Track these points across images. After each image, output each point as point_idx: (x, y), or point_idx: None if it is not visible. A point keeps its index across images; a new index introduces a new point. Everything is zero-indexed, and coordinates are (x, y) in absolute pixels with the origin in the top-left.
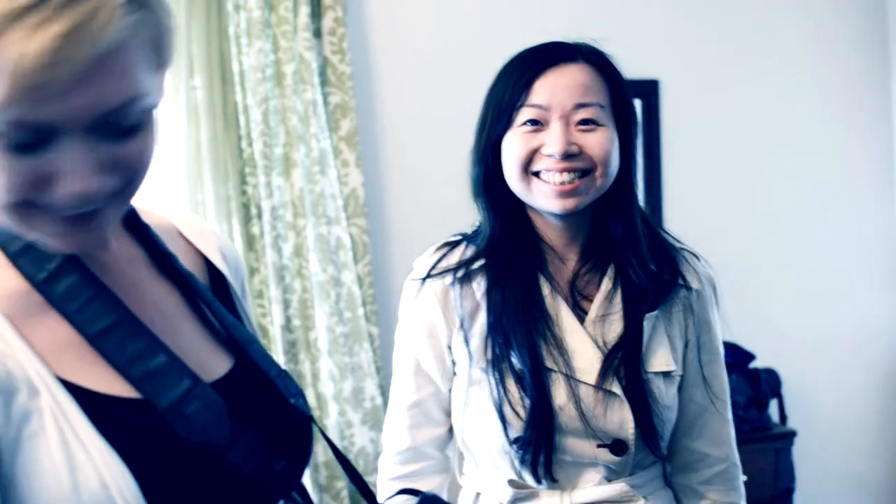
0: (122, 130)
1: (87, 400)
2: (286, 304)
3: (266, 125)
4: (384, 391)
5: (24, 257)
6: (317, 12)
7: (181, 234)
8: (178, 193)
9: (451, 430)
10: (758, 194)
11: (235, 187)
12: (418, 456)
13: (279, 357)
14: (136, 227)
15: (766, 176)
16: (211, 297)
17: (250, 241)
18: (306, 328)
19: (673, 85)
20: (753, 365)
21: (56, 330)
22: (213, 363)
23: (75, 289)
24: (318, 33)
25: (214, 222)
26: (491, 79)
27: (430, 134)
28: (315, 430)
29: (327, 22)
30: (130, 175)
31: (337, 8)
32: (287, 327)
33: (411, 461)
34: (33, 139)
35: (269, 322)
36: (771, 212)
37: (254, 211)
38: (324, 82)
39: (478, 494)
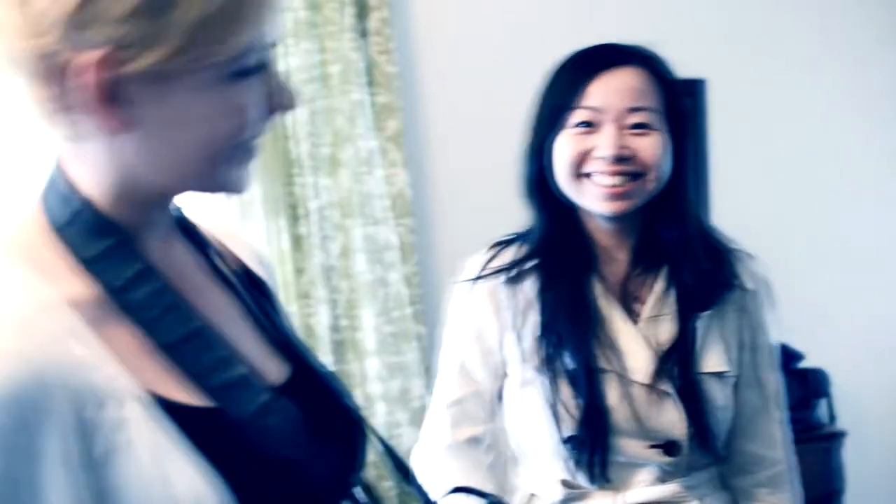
0: None
1: (169, 410)
2: (333, 304)
3: (312, 126)
4: (432, 391)
5: (100, 263)
6: (362, 13)
7: (218, 241)
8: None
9: (491, 431)
10: (806, 191)
11: (282, 188)
12: (457, 453)
13: (326, 357)
14: (186, 230)
15: (814, 172)
16: (264, 301)
17: (297, 242)
18: (353, 328)
19: (720, 84)
20: (801, 365)
21: (130, 338)
22: (271, 369)
23: (153, 297)
24: (363, 34)
25: (262, 222)
26: (538, 78)
27: (477, 133)
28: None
29: (373, 22)
30: None
31: (383, 8)
32: (334, 327)
33: (450, 458)
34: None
35: (315, 322)
36: (820, 210)
37: (301, 211)
38: (370, 82)
39: (532, 496)
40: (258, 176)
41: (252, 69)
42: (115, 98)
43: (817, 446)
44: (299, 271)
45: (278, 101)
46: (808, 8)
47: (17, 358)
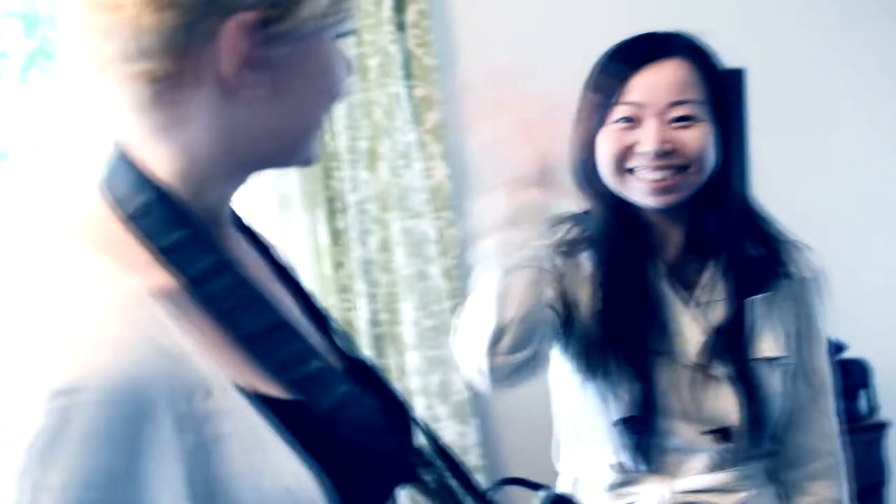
0: None
1: (253, 401)
2: (372, 298)
3: (351, 119)
4: (471, 385)
5: (175, 254)
6: (400, 5)
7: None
8: (263, 188)
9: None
10: (848, 180)
11: (321, 181)
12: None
13: (366, 352)
14: (242, 227)
15: (857, 160)
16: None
17: (336, 236)
18: (393, 322)
19: (759, 74)
20: (842, 355)
21: (211, 330)
22: (334, 362)
23: (228, 288)
24: (401, 26)
25: (301, 217)
26: (577, 69)
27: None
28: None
29: (411, 15)
30: None
31: (420, 0)
32: (373, 322)
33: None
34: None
35: (355, 317)
36: (862, 200)
37: (339, 205)
38: (408, 75)
39: (576, 480)
40: (296, 170)
41: (346, 31)
42: (256, 62)
43: (859, 437)
44: (338, 265)
45: (346, 66)
46: None
47: (116, 347)
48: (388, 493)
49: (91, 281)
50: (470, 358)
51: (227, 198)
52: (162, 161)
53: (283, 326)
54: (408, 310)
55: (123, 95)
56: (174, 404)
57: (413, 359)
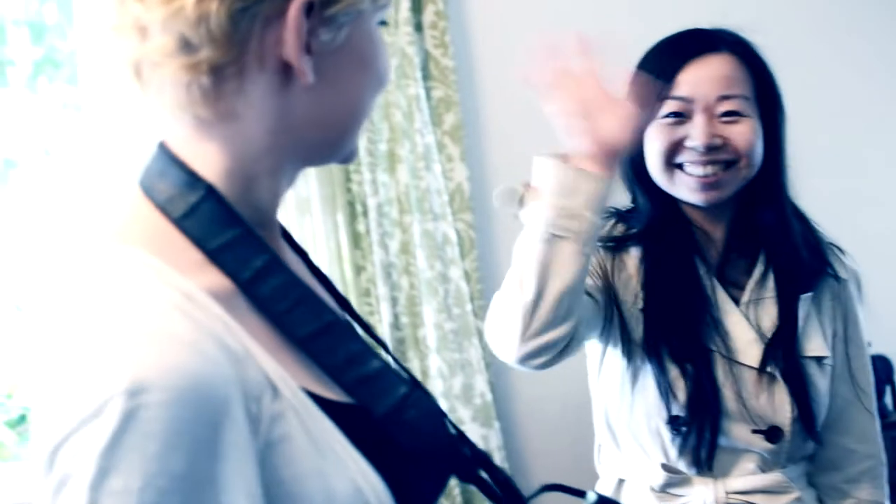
0: None
1: (317, 404)
2: (394, 301)
3: (370, 121)
4: (494, 387)
5: (227, 254)
6: (417, 6)
7: None
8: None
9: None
10: (870, 179)
11: (340, 185)
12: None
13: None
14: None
15: (876, 160)
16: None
17: (356, 239)
18: (414, 325)
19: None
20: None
21: (264, 331)
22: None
23: (282, 289)
24: (419, 27)
25: (320, 220)
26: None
27: (536, 126)
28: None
29: (428, 16)
30: None
31: (437, 1)
32: (395, 325)
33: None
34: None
35: (376, 320)
36: (885, 198)
37: (359, 208)
38: (426, 76)
39: (620, 481)
40: (316, 173)
41: (384, 19)
42: (311, 47)
43: (885, 434)
44: (359, 269)
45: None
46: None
47: (182, 344)
48: (439, 494)
49: (147, 281)
50: (502, 330)
51: (275, 198)
52: (209, 159)
53: (339, 327)
54: (429, 313)
55: (175, 91)
56: (247, 404)
57: (435, 362)
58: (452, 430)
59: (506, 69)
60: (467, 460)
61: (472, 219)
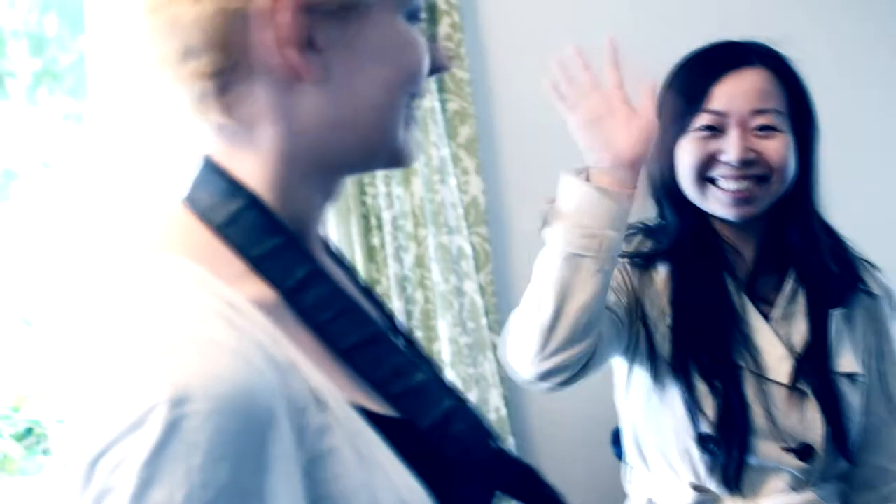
0: None
1: (364, 415)
2: (408, 315)
3: None
4: (508, 402)
5: (270, 262)
6: (433, 18)
7: None
8: None
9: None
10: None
11: (354, 197)
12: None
13: None
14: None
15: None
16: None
17: (371, 253)
18: (429, 339)
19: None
20: None
21: (308, 341)
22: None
23: (326, 299)
24: (434, 39)
25: (335, 233)
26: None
27: (552, 139)
28: None
29: (443, 28)
30: None
31: (453, 13)
32: None
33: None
34: None
35: None
36: None
37: (374, 221)
38: (441, 89)
39: (649, 501)
40: None
41: (417, 12)
42: (310, 44)
43: None
44: (374, 282)
45: (436, 57)
46: None
47: (225, 352)
48: None
49: (190, 289)
50: (519, 348)
51: (311, 208)
52: (245, 168)
53: (382, 338)
54: (444, 327)
55: (190, 100)
56: (292, 416)
57: (450, 376)
58: (498, 444)
59: (521, 81)
60: (514, 474)
61: (488, 232)
